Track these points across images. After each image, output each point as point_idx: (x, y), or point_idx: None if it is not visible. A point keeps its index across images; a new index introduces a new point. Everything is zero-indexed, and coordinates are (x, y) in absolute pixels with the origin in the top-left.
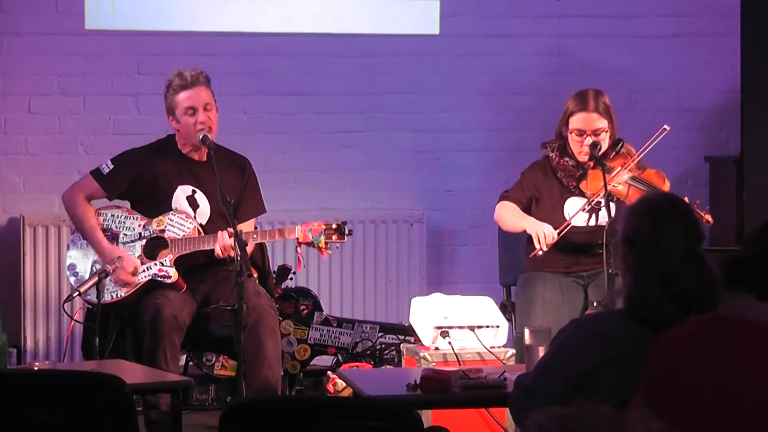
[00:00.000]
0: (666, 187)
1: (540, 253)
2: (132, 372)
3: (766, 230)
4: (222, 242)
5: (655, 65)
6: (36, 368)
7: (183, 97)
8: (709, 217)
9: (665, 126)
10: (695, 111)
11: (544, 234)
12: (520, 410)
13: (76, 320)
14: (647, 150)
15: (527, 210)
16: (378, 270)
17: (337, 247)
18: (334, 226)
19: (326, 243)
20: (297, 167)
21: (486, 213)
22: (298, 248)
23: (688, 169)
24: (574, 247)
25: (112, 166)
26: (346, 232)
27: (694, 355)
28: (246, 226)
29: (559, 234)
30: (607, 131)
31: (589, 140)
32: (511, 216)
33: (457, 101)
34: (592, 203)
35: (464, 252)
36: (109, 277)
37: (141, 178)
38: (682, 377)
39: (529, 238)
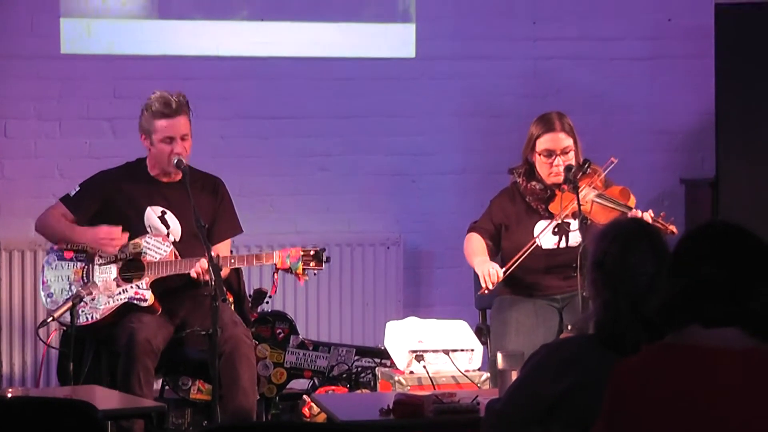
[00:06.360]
0: (631, 202)
1: (486, 291)
2: (105, 397)
3: (679, 262)
4: (198, 267)
5: (631, 87)
6: (9, 395)
7: (163, 125)
8: (673, 228)
9: (612, 159)
10: (671, 133)
11: (489, 273)
12: None
13: (49, 345)
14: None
15: (496, 238)
16: (354, 293)
17: (315, 274)
18: (312, 252)
19: (304, 269)
20: (273, 191)
21: (462, 235)
22: (275, 274)
23: (665, 191)
24: (547, 269)
25: (78, 189)
26: (324, 259)
27: (648, 383)
28: (222, 247)
29: (505, 272)
30: (573, 150)
31: (559, 161)
32: (470, 252)
33: (434, 124)
34: (559, 223)
35: (441, 274)
36: (83, 300)
37: (110, 201)
38: (638, 406)
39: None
